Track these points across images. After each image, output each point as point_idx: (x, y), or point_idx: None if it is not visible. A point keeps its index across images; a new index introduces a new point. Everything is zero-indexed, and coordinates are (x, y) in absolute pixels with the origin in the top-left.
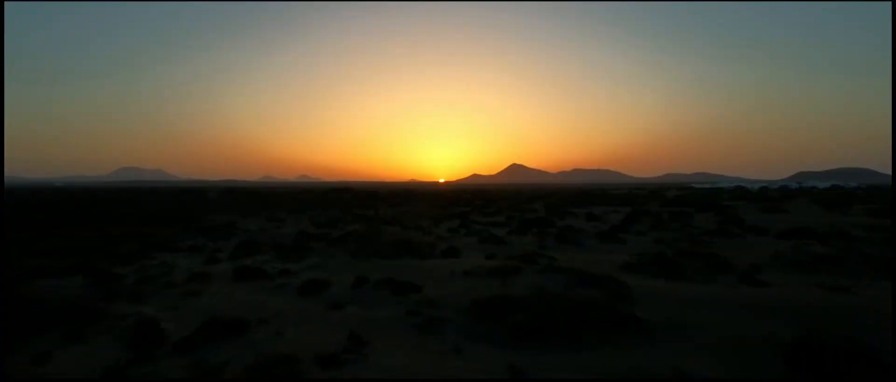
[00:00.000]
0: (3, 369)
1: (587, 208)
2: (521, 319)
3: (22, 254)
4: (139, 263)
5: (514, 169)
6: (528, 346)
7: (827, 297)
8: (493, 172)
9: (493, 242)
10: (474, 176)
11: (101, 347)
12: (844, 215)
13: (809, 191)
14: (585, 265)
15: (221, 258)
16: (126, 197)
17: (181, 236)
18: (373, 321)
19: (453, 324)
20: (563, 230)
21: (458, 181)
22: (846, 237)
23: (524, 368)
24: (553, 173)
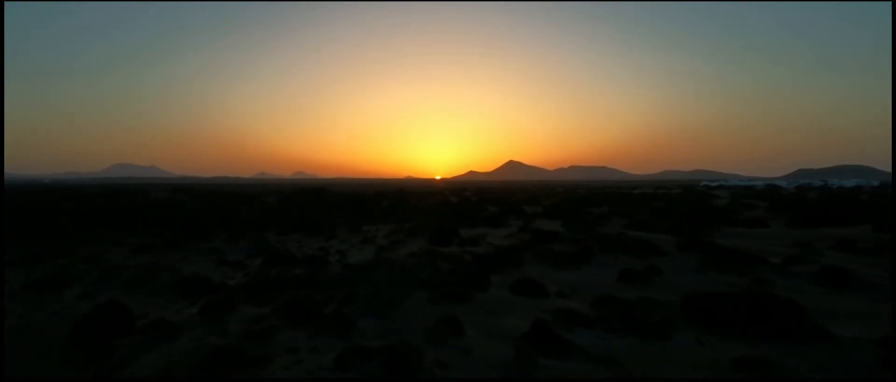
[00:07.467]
0: (2, 369)
1: (690, 226)
2: None
3: None
4: None
5: (512, 165)
6: None
7: None
8: (490, 169)
9: None
10: (471, 172)
11: None
12: None
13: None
14: None
15: None
16: (37, 200)
17: None
18: None
19: None
20: None
21: (454, 178)
22: None
23: None
24: (550, 170)
